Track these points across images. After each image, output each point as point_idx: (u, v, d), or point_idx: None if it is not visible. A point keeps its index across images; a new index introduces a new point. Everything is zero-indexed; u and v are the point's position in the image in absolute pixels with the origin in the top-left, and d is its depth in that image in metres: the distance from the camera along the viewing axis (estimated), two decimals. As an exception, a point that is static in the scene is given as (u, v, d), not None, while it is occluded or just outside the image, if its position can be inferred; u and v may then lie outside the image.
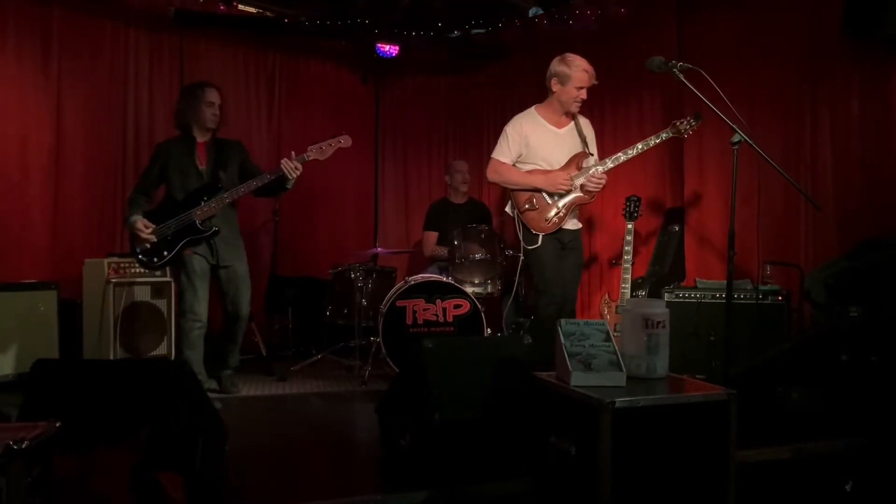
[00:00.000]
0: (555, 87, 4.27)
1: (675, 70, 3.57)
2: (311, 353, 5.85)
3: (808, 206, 4.64)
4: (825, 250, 4.70)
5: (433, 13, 6.65)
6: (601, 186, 4.26)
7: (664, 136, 4.19)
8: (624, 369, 2.58)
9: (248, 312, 4.76)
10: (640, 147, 4.20)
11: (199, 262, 4.52)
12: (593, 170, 4.25)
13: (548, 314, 4.14)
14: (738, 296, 4.51)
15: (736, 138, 3.46)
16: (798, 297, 4.65)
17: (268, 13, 6.53)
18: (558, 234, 4.29)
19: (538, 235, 4.24)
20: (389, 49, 6.76)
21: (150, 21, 6.04)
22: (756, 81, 5.04)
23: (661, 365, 2.71)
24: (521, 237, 4.28)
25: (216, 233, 4.49)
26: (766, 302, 4.54)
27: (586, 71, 4.21)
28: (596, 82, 4.27)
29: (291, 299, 5.96)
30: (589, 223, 6.01)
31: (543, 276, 4.26)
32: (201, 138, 4.65)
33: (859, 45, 4.51)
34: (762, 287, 4.63)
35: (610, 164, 4.25)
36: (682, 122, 4.16)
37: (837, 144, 4.73)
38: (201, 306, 4.55)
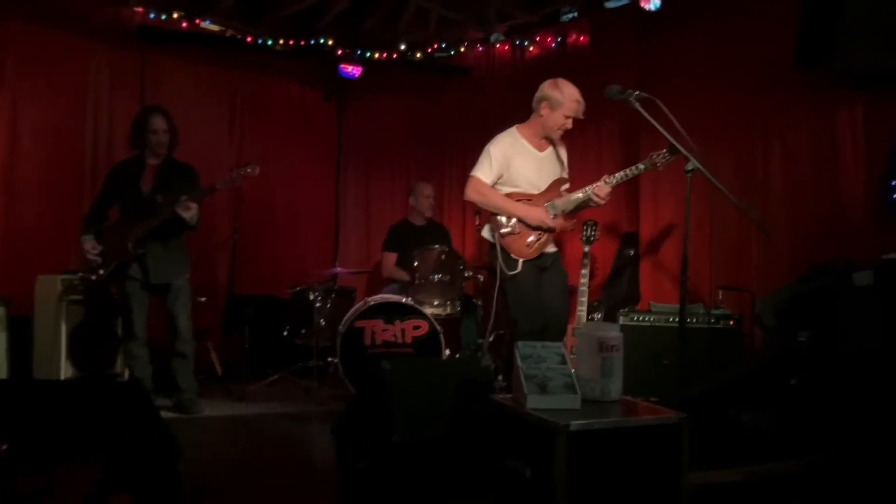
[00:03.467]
0: (543, 110, 4.19)
1: (631, 99, 3.64)
2: (269, 372, 5.81)
3: (759, 232, 4.75)
4: (776, 275, 4.81)
5: (397, 36, 6.71)
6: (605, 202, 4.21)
7: (642, 167, 4.12)
8: (579, 392, 2.62)
9: (188, 326, 4.85)
10: (619, 176, 4.18)
11: (131, 285, 4.75)
12: (600, 185, 4.16)
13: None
14: (691, 320, 4.59)
15: (689, 166, 3.54)
16: (749, 322, 4.77)
17: (231, 31, 6.53)
18: (539, 259, 4.20)
19: (518, 261, 4.12)
20: (352, 70, 6.80)
21: (111, 36, 6.00)
22: (713, 109, 5.18)
23: (616, 388, 2.76)
24: (500, 262, 4.10)
25: (143, 255, 4.66)
26: (718, 326, 4.63)
27: (578, 102, 4.14)
28: (582, 117, 4.21)
29: (249, 318, 5.92)
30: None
31: (521, 305, 4.14)
32: (152, 161, 4.86)
33: (810, 76, 4.66)
34: (714, 311, 4.72)
35: (614, 182, 4.21)
36: (657, 155, 4.13)
37: (789, 172, 4.88)
38: (137, 326, 4.76)
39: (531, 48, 6.48)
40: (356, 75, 6.85)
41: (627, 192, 5.73)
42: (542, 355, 2.72)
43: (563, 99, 4.13)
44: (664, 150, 4.01)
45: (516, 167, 4.20)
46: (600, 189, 4.11)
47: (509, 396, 2.74)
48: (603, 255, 5.82)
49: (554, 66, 6.07)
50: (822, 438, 3.55)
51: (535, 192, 4.23)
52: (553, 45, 6.31)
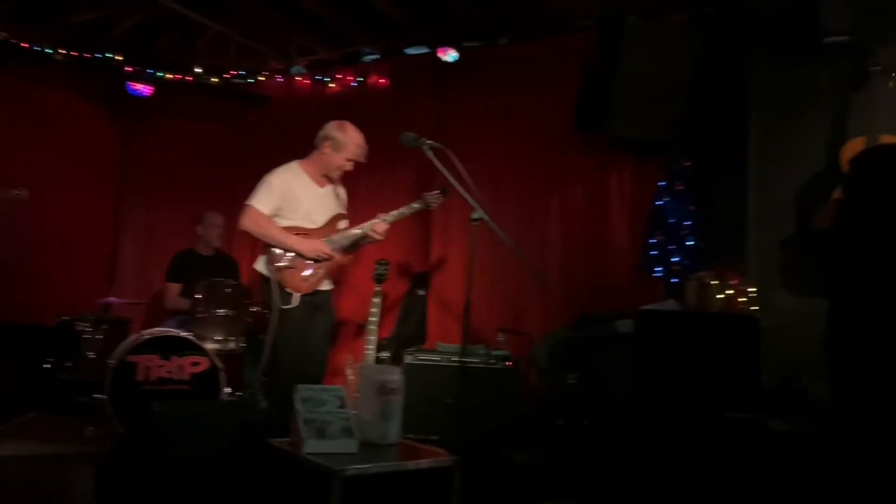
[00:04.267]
0: (326, 149, 4.22)
1: (424, 147, 3.76)
2: (26, 409, 5.26)
3: (538, 280, 5.05)
4: (552, 321, 5.13)
5: (192, 57, 6.47)
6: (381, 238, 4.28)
7: (416, 206, 4.33)
8: (356, 436, 2.62)
9: None
10: (395, 214, 4.31)
11: None
12: (377, 223, 4.25)
13: (293, 379, 3.99)
14: (473, 360, 4.76)
15: (475, 215, 3.69)
16: (526, 363, 5.03)
17: (3, 34, 5.97)
18: (314, 295, 4.19)
19: (293, 295, 4.08)
20: (142, 89, 6.45)
21: None
22: (501, 163, 5.50)
23: (394, 431, 2.79)
24: (274, 296, 4.04)
25: None
26: (497, 367, 4.83)
27: (360, 147, 4.24)
28: (364, 161, 4.31)
29: (3, 348, 5.36)
30: (339, 285, 6.07)
31: (294, 339, 4.09)
32: None
33: (587, 140, 5.08)
34: (495, 352, 4.93)
35: (390, 219, 4.30)
36: (430, 195, 4.34)
37: (565, 227, 5.27)
38: None
39: (332, 84, 6.51)
40: (146, 94, 6.51)
41: (420, 234, 5.88)
42: (323, 398, 2.70)
43: (346, 141, 4.21)
44: (437, 191, 4.26)
45: (295, 200, 4.19)
46: (377, 226, 4.24)
47: (286, 441, 2.68)
48: (395, 294, 5.90)
49: (354, 104, 6.17)
50: (588, 478, 3.80)
51: (313, 226, 4.24)
52: (353, 83, 6.38)
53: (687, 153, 4.85)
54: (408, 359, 4.92)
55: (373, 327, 4.99)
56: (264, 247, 4.18)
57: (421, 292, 5.73)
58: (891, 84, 4.41)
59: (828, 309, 2.69)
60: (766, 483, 3.26)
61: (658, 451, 3.70)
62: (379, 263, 5.15)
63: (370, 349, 4.96)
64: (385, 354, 5.20)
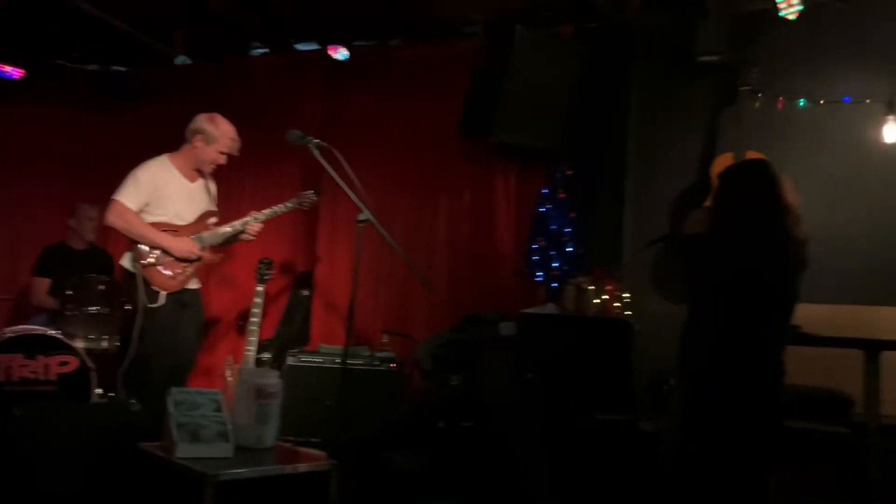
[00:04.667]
0: (197, 142, 4.12)
1: (310, 146, 3.72)
2: None
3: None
4: (437, 322, 5.18)
5: (68, 42, 6.15)
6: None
7: (289, 205, 4.28)
8: (232, 440, 2.57)
9: None
10: (267, 213, 4.25)
11: None
12: (249, 221, 4.17)
13: (163, 380, 3.88)
14: (356, 362, 4.74)
15: (362, 217, 3.69)
16: (410, 365, 5.06)
17: None
18: (181, 293, 4.08)
19: (160, 293, 3.98)
20: (11, 71, 6.08)
21: None
22: (390, 165, 5.50)
23: (271, 435, 2.75)
24: (140, 293, 3.92)
25: None
26: (381, 369, 4.83)
27: (233, 140, 4.16)
28: (237, 154, 4.23)
29: None
30: (219, 283, 5.93)
31: (160, 338, 3.98)
32: None
33: (475, 145, 5.17)
34: (379, 354, 4.93)
35: (262, 218, 4.23)
36: (304, 195, 4.32)
37: (452, 230, 5.34)
38: None
39: (220, 76, 6.32)
40: (16, 76, 6.13)
41: (305, 234, 5.81)
42: (198, 401, 2.63)
43: (218, 134, 4.13)
44: (311, 192, 4.26)
45: (164, 196, 4.08)
46: (250, 225, 4.19)
47: (158, 445, 2.60)
48: (278, 293, 5.80)
49: (240, 98, 6.02)
50: (467, 479, 3.86)
51: (182, 223, 4.13)
52: (241, 77, 6.22)
53: (569, 162, 5.01)
54: (290, 360, 4.88)
55: (254, 328, 4.89)
56: (131, 243, 4.03)
57: (305, 293, 5.65)
58: (757, 103, 4.71)
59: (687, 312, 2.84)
60: (636, 481, 3.41)
61: (536, 451, 3.81)
62: (262, 262, 5.04)
63: (251, 350, 4.85)
64: (266, 356, 5.10)
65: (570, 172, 5.02)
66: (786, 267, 2.70)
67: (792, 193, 2.78)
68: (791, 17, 4.34)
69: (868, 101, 4.47)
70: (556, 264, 4.95)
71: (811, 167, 4.60)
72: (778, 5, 4.33)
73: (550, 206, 4.99)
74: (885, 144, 4.28)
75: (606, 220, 5.05)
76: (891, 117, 4.21)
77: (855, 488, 3.19)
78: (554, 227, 4.96)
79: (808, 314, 4.07)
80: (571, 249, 4.96)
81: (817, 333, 3.38)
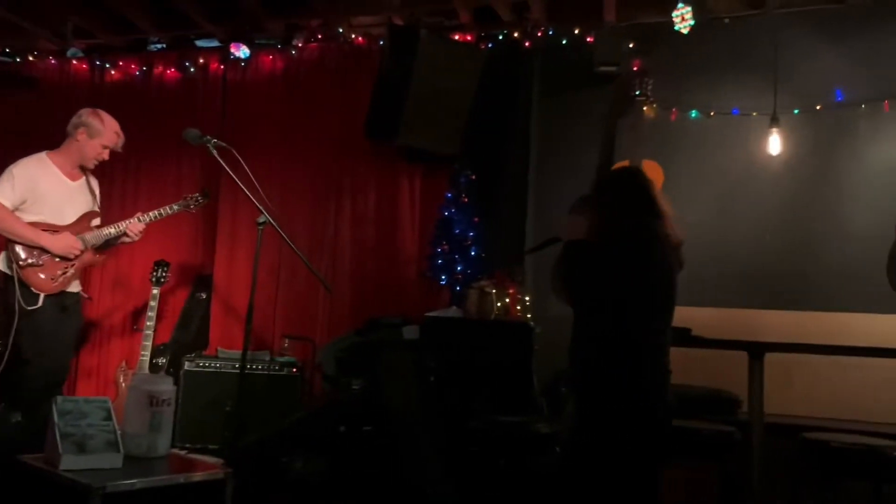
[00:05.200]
0: (80, 136, 3.91)
1: (209, 145, 3.62)
2: None
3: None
4: (339, 326, 5.14)
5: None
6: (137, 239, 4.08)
7: (176, 208, 4.15)
8: (122, 450, 2.47)
9: None
10: (153, 215, 4.11)
11: None
12: (134, 222, 4.01)
13: (39, 387, 3.65)
14: (256, 366, 4.67)
15: (261, 219, 3.62)
16: (311, 369, 5.00)
17: None
18: (61, 296, 3.85)
19: (39, 295, 3.74)
20: None
21: None
22: (292, 166, 5.43)
23: (164, 443, 2.66)
24: (17, 296, 3.67)
25: None
26: (281, 373, 4.77)
27: (117, 134, 3.99)
28: (120, 150, 4.08)
29: None
30: (114, 286, 5.71)
31: (38, 343, 3.73)
32: None
33: (379, 148, 5.15)
34: (279, 358, 4.86)
35: (147, 219, 4.08)
36: (191, 197, 4.20)
37: (356, 232, 5.30)
38: None
39: (112, 71, 6.08)
40: None
41: (206, 235, 5.65)
42: (85, 410, 2.51)
43: (102, 128, 3.96)
44: (197, 194, 4.18)
45: (43, 194, 3.86)
46: (134, 226, 4.04)
47: (41, 456, 2.47)
48: (174, 297, 5.62)
49: (136, 94, 5.83)
50: (367, 484, 3.84)
51: (62, 223, 3.92)
52: (137, 72, 6.01)
53: (473, 167, 5.06)
54: (187, 365, 4.78)
55: (149, 332, 4.73)
56: (7, 243, 3.79)
57: (203, 296, 5.50)
58: (653, 114, 4.89)
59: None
60: (534, 483, 3.47)
61: (436, 455, 3.83)
62: (157, 265, 4.89)
63: (145, 355, 4.70)
64: (161, 361, 4.95)
65: (473, 177, 5.06)
66: (665, 269, 2.78)
67: (665, 199, 2.87)
68: (685, 31, 4.52)
69: (755, 113, 4.71)
70: (460, 268, 4.98)
71: (702, 175, 4.80)
72: (673, 20, 4.50)
73: (454, 210, 5.02)
74: (770, 155, 4.51)
75: (509, 224, 5.12)
76: (774, 130, 4.44)
77: (739, 484, 3.34)
78: (458, 230, 5.00)
79: (696, 317, 4.24)
80: (475, 253, 5.01)
81: (705, 336, 3.52)
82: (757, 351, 3.40)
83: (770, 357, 3.39)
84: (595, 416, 2.69)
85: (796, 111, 4.66)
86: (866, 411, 4.12)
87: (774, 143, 4.45)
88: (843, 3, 4.65)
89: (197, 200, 4.19)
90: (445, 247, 4.99)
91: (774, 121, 4.44)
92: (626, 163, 4.75)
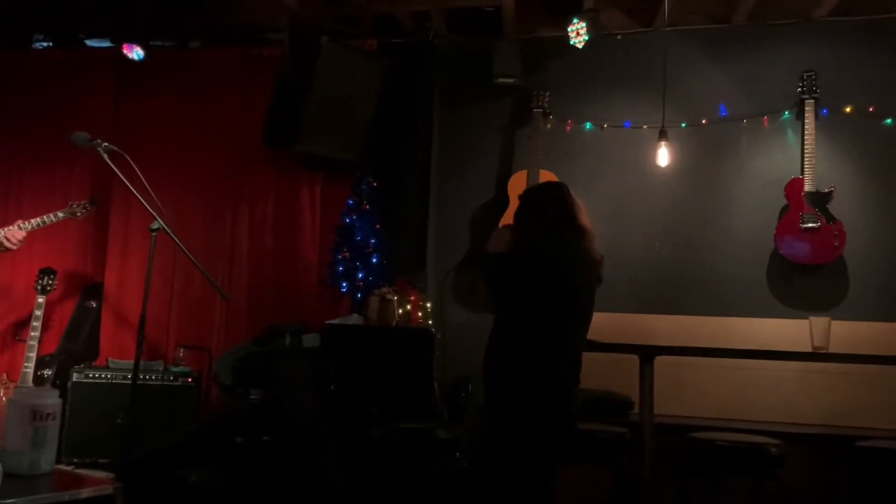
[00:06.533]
0: None
1: (99, 149, 3.51)
2: None
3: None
4: (237, 335, 5.03)
5: None
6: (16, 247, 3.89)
7: (61, 215, 4.04)
8: (1, 468, 2.35)
9: None
10: (35, 222, 3.96)
11: None
12: (14, 230, 3.84)
13: None
14: (150, 377, 4.55)
15: (155, 225, 3.54)
16: (207, 379, 4.88)
17: None
18: None
19: None
20: None
21: None
22: (188, 171, 5.29)
23: (48, 459, 2.54)
24: None
25: None
26: (175, 383, 4.64)
27: None
28: None
29: None
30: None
31: None
32: None
33: (279, 154, 5.08)
34: (173, 368, 4.73)
35: (29, 227, 3.91)
36: (77, 205, 4.09)
37: (255, 239, 5.21)
38: None
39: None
40: None
41: (96, 242, 5.42)
42: (-40, 426, 2.38)
43: None
44: (85, 202, 4.07)
45: None
46: (14, 233, 3.90)
47: None
48: (62, 306, 5.38)
49: (18, 93, 5.55)
50: (266, 495, 3.77)
51: None
52: (20, 71, 5.70)
53: (374, 174, 5.07)
54: (75, 377, 4.62)
55: (33, 343, 4.52)
56: None
57: (93, 304, 5.29)
58: (549, 125, 5.03)
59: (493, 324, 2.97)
60: (433, 489, 3.50)
61: (336, 464, 3.80)
62: (43, 273, 4.67)
63: (28, 367, 4.48)
64: (47, 372, 4.73)
65: (375, 184, 5.07)
66: (580, 282, 2.88)
67: (585, 215, 2.98)
68: (580, 46, 4.67)
69: (645, 126, 4.90)
70: (361, 275, 4.97)
71: (596, 186, 4.96)
72: (569, 35, 4.64)
73: (355, 217, 5.01)
74: (659, 167, 4.71)
75: (411, 231, 5.15)
76: (663, 143, 4.64)
77: (631, 483, 3.46)
78: (359, 237, 4.99)
79: (592, 322, 4.38)
80: (376, 260, 5.01)
81: (600, 340, 3.64)
82: (647, 354, 3.55)
83: (660, 360, 3.53)
84: (508, 421, 2.75)
85: (683, 125, 4.88)
86: (748, 411, 4.35)
87: (663, 156, 4.63)
88: (728, 23, 4.90)
89: (84, 208, 4.07)
90: (346, 254, 4.98)
91: (663, 134, 4.62)
92: (523, 173, 4.87)
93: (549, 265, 2.83)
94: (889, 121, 4.63)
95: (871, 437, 3.47)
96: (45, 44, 5.72)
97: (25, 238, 3.91)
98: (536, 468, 2.76)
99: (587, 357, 4.41)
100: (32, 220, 3.93)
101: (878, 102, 4.64)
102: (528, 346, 2.80)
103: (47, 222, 3.97)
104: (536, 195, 3.21)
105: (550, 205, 2.97)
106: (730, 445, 3.32)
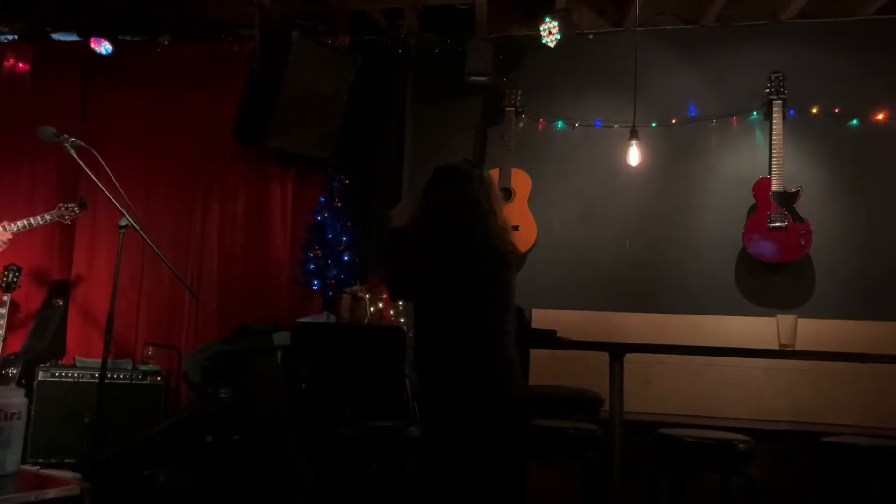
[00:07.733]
0: None
1: (66, 145, 3.45)
2: None
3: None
4: (206, 334, 5.00)
5: None
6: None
7: (48, 218, 3.99)
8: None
9: None
10: (22, 225, 3.91)
11: None
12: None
13: None
14: (118, 376, 4.51)
15: (123, 222, 3.49)
16: (177, 378, 4.84)
17: None
18: None
19: None
20: None
21: None
22: (157, 167, 5.24)
23: (13, 459, 2.51)
24: None
25: None
26: (144, 382, 4.60)
27: None
28: None
29: None
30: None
31: None
32: None
33: (250, 150, 5.04)
34: (142, 367, 4.69)
35: (15, 230, 3.87)
36: (66, 207, 4.05)
37: (225, 236, 5.16)
38: None
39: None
40: None
41: (62, 238, 5.34)
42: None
43: None
44: (74, 204, 4.03)
45: None
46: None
47: None
48: (27, 304, 5.29)
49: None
50: (235, 495, 3.75)
51: None
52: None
53: (346, 171, 5.05)
54: (41, 375, 4.57)
55: (-2, 341, 4.44)
56: None
57: (59, 302, 5.21)
58: (521, 123, 5.05)
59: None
60: (404, 488, 3.49)
61: (306, 463, 3.79)
62: (7, 269, 4.59)
63: (-7, 366, 4.40)
64: (12, 371, 4.65)
65: (347, 181, 5.05)
66: (483, 265, 2.72)
67: (499, 200, 2.85)
68: (552, 45, 4.69)
69: (616, 125, 4.94)
70: (333, 273, 4.95)
71: (568, 184, 5.00)
72: (541, 33, 4.66)
73: (327, 215, 4.98)
74: (630, 166, 4.74)
75: (382, 229, 5.12)
76: (634, 142, 4.67)
77: (602, 480, 3.48)
78: (331, 235, 4.96)
79: (562, 319, 4.42)
80: (348, 258, 4.99)
81: (570, 338, 3.66)
82: (617, 352, 3.56)
83: (630, 357, 3.55)
84: (440, 412, 2.67)
85: (654, 124, 4.92)
86: (717, 407, 4.41)
87: (634, 155, 4.66)
88: (698, 24, 4.96)
89: (73, 211, 4.02)
90: (318, 252, 4.95)
91: (634, 133, 4.65)
92: (495, 171, 4.87)
93: (442, 245, 2.70)
94: (855, 122, 4.71)
95: (836, 433, 3.52)
96: (10, 37, 5.62)
97: (11, 240, 3.86)
98: (488, 462, 2.63)
99: (557, 355, 4.44)
100: (19, 222, 3.90)
101: (844, 104, 4.72)
102: (432, 334, 2.69)
103: (34, 224, 3.94)
104: (441, 176, 2.97)
105: (453, 186, 2.79)
106: (699, 442, 3.35)
